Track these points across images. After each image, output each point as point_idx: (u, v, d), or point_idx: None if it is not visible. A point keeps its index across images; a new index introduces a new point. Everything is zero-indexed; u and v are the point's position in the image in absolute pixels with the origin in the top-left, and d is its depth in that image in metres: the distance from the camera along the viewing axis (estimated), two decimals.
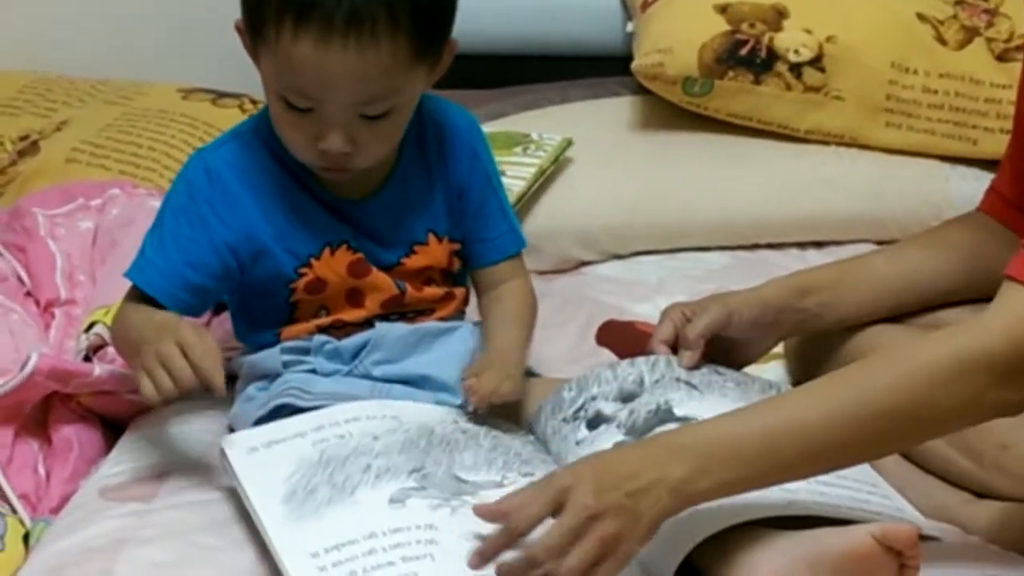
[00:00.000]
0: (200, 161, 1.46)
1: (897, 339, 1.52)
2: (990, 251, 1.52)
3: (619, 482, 1.18)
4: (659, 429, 1.36)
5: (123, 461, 1.50)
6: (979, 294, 1.53)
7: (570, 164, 2.11)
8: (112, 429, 1.64)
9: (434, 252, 1.51)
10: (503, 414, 1.46)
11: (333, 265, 1.46)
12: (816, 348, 1.59)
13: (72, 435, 1.61)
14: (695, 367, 1.47)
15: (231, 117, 2.44)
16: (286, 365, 1.47)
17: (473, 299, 1.58)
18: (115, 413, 1.64)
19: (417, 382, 1.48)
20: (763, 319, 1.51)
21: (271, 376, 1.48)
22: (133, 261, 1.45)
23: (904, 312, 1.57)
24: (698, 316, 1.49)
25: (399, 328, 1.49)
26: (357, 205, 1.46)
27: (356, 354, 1.48)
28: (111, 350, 1.69)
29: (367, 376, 1.48)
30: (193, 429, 1.55)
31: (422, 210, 1.50)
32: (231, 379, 1.47)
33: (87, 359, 1.70)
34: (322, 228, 1.45)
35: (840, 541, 1.21)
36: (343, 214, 1.46)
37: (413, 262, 1.50)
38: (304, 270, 1.45)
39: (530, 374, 1.54)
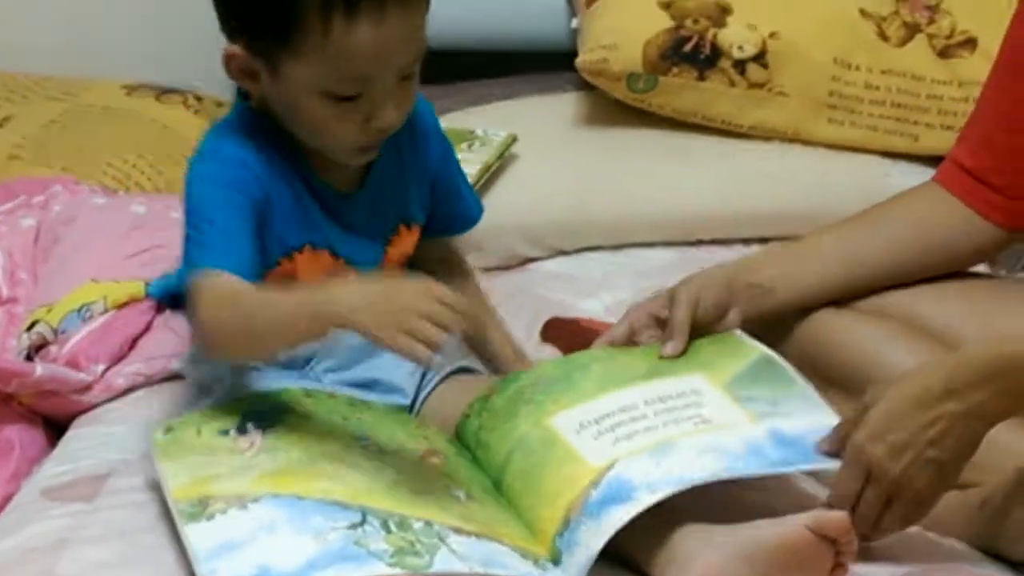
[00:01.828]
0: (210, 157, 1.42)
1: (844, 325, 1.55)
2: (936, 231, 1.57)
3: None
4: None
5: (65, 461, 1.49)
6: (924, 271, 1.58)
7: (515, 160, 2.12)
8: (54, 429, 1.64)
9: (404, 242, 1.51)
10: None
11: (311, 265, 1.45)
12: (767, 336, 1.59)
13: (14, 435, 1.60)
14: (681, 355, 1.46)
15: (175, 113, 2.44)
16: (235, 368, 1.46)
17: None
18: (57, 413, 1.64)
19: (367, 385, 1.48)
20: (723, 296, 1.51)
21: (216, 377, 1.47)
22: (196, 257, 1.38)
23: (855, 290, 1.58)
24: (675, 304, 1.48)
25: (350, 336, 1.48)
26: (347, 200, 1.46)
27: (308, 361, 1.48)
28: (53, 349, 1.69)
29: (317, 379, 1.47)
30: (135, 428, 1.54)
31: (396, 200, 1.50)
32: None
33: (29, 358, 1.69)
34: (312, 225, 1.44)
35: (775, 532, 1.22)
36: (334, 211, 1.45)
37: (387, 256, 1.50)
38: (284, 261, 1.44)
39: (468, 371, 1.54)
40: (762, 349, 1.46)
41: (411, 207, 1.51)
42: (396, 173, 1.49)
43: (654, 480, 1.26)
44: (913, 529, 1.40)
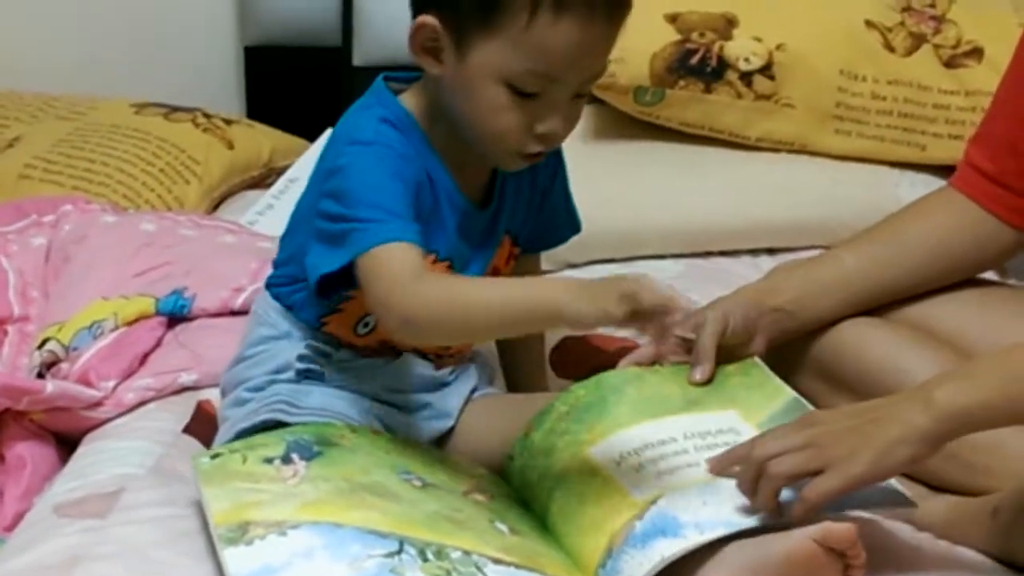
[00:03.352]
0: (375, 143, 1.37)
1: (858, 332, 1.55)
2: (955, 241, 1.58)
3: (860, 411, 1.26)
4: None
5: (77, 477, 1.49)
6: (945, 281, 1.59)
7: None
8: (66, 445, 1.64)
9: (502, 253, 1.50)
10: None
11: None
12: (789, 345, 1.59)
13: (25, 452, 1.60)
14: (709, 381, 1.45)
15: (184, 132, 2.44)
16: (301, 359, 1.44)
17: None
18: (68, 430, 1.64)
19: (415, 408, 1.47)
20: (749, 320, 1.51)
21: (264, 377, 1.47)
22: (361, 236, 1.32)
23: (877, 306, 1.59)
24: (702, 328, 1.47)
25: (422, 367, 1.47)
26: (478, 215, 1.45)
27: (371, 375, 1.46)
28: (64, 366, 1.69)
29: (368, 395, 1.46)
30: (147, 444, 1.54)
31: (511, 215, 1.49)
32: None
33: (40, 376, 1.70)
34: (444, 235, 1.42)
35: (782, 546, 1.22)
36: (462, 225, 1.43)
37: (487, 268, 1.49)
38: None
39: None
40: (789, 390, 1.46)
41: (519, 222, 1.50)
42: (515, 188, 1.48)
43: (703, 520, 1.25)
44: (924, 536, 1.40)
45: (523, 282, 1.31)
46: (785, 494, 1.26)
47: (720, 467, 1.30)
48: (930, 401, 1.24)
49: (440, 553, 1.23)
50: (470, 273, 1.45)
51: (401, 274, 1.29)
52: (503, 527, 1.31)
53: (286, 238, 1.48)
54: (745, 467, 1.27)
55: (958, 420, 1.23)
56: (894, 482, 1.32)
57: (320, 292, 1.37)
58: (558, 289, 1.23)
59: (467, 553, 1.24)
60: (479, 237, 1.46)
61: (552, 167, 1.51)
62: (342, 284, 1.36)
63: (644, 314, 1.19)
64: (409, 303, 1.28)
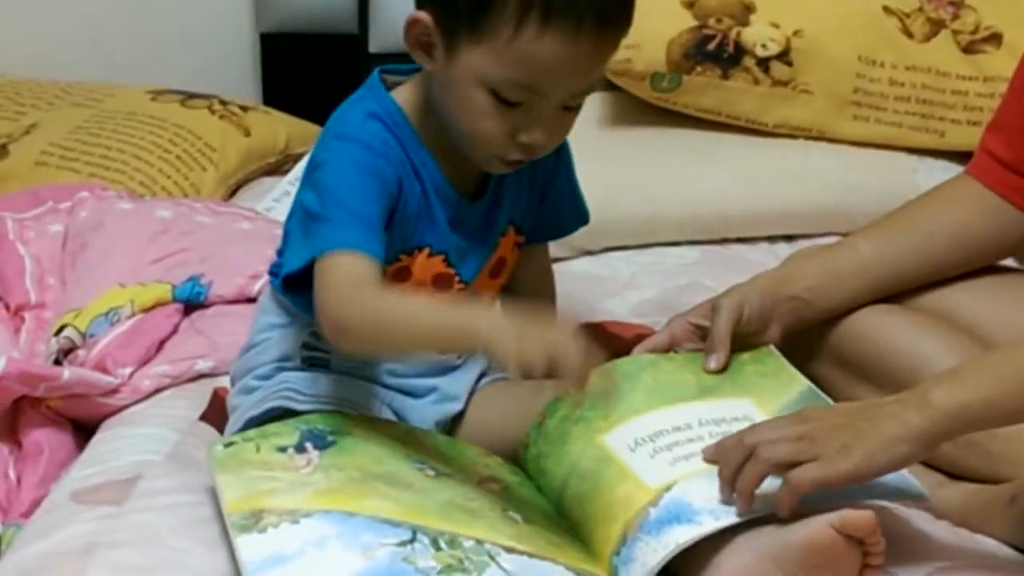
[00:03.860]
0: (355, 139, 1.37)
1: (875, 318, 1.55)
2: (972, 230, 1.57)
3: (857, 409, 1.26)
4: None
5: (94, 464, 1.49)
6: (961, 270, 1.58)
7: None
8: (83, 432, 1.64)
9: (507, 243, 1.50)
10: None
11: (425, 268, 1.43)
12: (806, 332, 1.58)
13: (42, 439, 1.60)
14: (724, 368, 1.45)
15: (200, 119, 2.45)
16: (305, 346, 1.45)
17: None
18: (85, 416, 1.64)
19: (422, 393, 1.47)
20: (766, 309, 1.51)
21: (271, 365, 1.47)
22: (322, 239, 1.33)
23: (894, 294, 1.58)
24: (718, 315, 1.47)
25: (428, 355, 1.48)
26: (468, 207, 1.44)
27: (376, 361, 1.46)
28: (81, 353, 1.69)
29: (374, 381, 1.46)
30: (164, 430, 1.55)
31: (510, 206, 1.49)
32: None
33: (57, 363, 1.70)
34: (435, 228, 1.42)
35: (801, 533, 1.21)
36: (455, 218, 1.43)
37: (489, 262, 1.48)
38: (403, 257, 1.42)
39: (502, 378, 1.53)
40: (803, 380, 1.45)
41: (521, 212, 1.50)
42: (515, 180, 1.47)
43: (718, 507, 1.25)
44: (942, 524, 1.39)
45: (457, 310, 1.29)
46: (768, 484, 1.25)
47: (714, 454, 1.29)
48: (926, 401, 1.23)
49: (453, 542, 1.23)
50: (470, 266, 1.46)
51: (342, 282, 1.30)
52: (516, 516, 1.30)
53: (286, 225, 1.49)
54: (735, 450, 1.26)
55: (954, 419, 1.23)
56: (908, 475, 1.32)
57: (288, 288, 1.38)
58: (490, 324, 1.23)
59: (480, 542, 1.24)
60: (476, 230, 1.46)
61: (552, 161, 1.50)
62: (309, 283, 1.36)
63: (561, 372, 1.20)
64: (343, 312, 1.30)
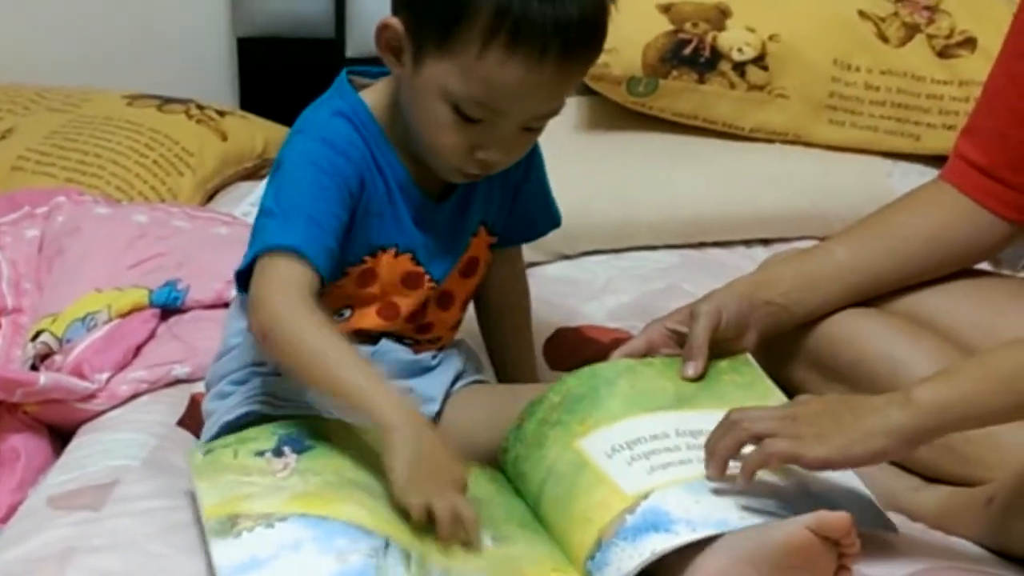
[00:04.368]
0: (317, 136, 1.39)
1: (851, 321, 1.56)
2: (948, 234, 1.58)
3: (844, 400, 1.29)
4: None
5: (71, 470, 1.49)
6: (937, 274, 1.59)
7: None
8: (60, 438, 1.64)
9: (479, 243, 1.51)
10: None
11: (392, 268, 1.44)
12: (783, 335, 1.59)
13: (19, 444, 1.60)
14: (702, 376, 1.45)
15: (177, 123, 2.44)
16: None
17: None
18: (62, 422, 1.64)
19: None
20: (743, 314, 1.51)
21: (245, 370, 1.47)
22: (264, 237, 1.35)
23: (869, 298, 1.59)
24: (696, 322, 1.47)
25: (401, 352, 1.48)
26: (435, 208, 1.45)
27: None
28: (58, 358, 1.69)
29: None
30: (141, 436, 1.54)
31: (480, 208, 1.49)
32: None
33: (34, 368, 1.70)
34: (401, 228, 1.43)
35: (777, 535, 1.22)
36: (422, 218, 1.44)
37: (460, 263, 1.49)
38: (368, 258, 1.43)
39: (478, 382, 1.53)
40: (778, 392, 1.46)
41: (492, 214, 1.51)
42: (486, 181, 1.47)
43: (694, 518, 1.25)
44: (918, 527, 1.40)
45: (380, 391, 1.29)
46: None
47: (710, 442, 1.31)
48: (909, 398, 1.25)
49: (422, 564, 1.23)
50: (440, 266, 1.46)
51: (276, 286, 1.31)
52: (487, 538, 1.29)
53: (252, 227, 1.48)
54: (722, 424, 1.30)
55: (934, 416, 1.24)
56: (877, 504, 1.34)
57: (244, 288, 1.37)
58: (401, 432, 1.25)
59: (446, 572, 1.24)
60: (445, 229, 1.46)
61: (524, 163, 1.50)
62: None
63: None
64: (271, 323, 1.31)
